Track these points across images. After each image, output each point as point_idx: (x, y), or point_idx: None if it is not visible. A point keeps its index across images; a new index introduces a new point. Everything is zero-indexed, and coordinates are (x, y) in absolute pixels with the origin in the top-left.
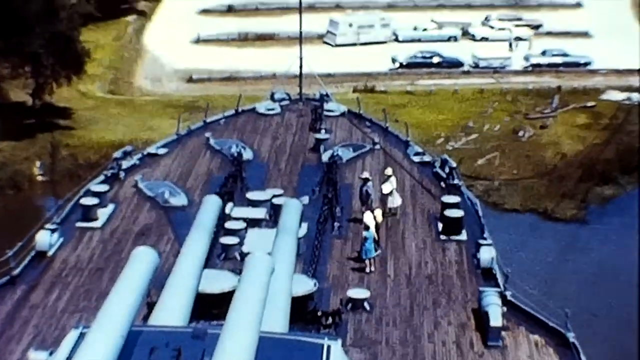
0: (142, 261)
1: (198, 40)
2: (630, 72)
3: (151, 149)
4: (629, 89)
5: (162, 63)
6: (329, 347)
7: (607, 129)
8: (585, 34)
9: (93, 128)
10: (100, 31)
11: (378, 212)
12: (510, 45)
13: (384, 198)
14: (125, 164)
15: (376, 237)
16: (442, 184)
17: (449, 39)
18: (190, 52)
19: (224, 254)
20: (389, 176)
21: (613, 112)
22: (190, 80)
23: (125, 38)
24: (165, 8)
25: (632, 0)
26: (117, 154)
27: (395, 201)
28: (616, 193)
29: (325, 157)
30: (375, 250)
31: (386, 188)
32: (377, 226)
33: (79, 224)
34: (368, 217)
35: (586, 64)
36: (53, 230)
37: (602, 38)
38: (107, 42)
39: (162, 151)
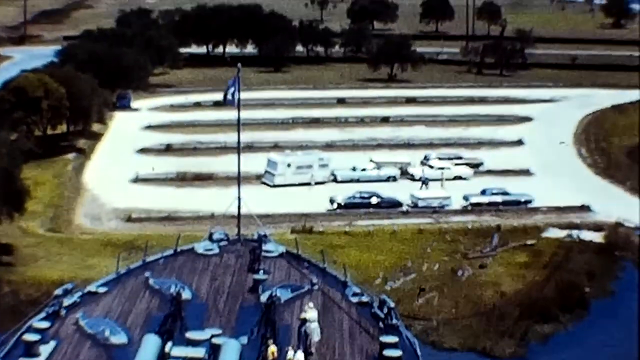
0: None
1: (137, 180)
2: (571, 209)
3: (91, 287)
4: (570, 226)
5: (102, 202)
6: None
7: (548, 266)
8: (526, 172)
9: (34, 265)
10: (41, 169)
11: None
12: (424, 183)
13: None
14: (66, 302)
15: None
16: (381, 324)
17: (387, 179)
18: (129, 191)
19: None
20: (310, 307)
21: (553, 249)
22: (129, 219)
23: (65, 176)
24: (105, 147)
25: (574, 137)
26: (58, 291)
27: (314, 336)
28: (556, 330)
29: (263, 297)
30: None
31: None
32: None
33: None
34: (300, 357)
35: (527, 202)
36: None
37: (543, 175)
38: (47, 180)
39: (102, 289)
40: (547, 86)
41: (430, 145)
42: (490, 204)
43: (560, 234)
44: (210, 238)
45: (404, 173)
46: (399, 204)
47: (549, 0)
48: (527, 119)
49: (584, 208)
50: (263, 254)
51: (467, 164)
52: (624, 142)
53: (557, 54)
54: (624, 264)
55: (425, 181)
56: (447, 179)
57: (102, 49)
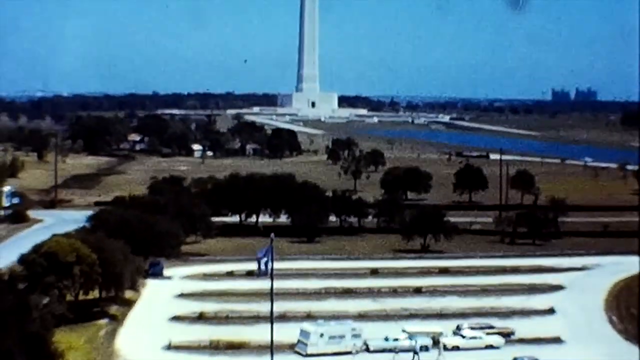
0: None
1: (169, 347)
2: None
3: None
4: None
5: None
6: None
7: None
8: (557, 340)
9: None
10: (73, 333)
11: None
12: (415, 354)
13: None
14: None
15: None
16: None
17: (420, 349)
18: (162, 359)
19: None
20: None
21: None
22: None
23: (97, 341)
24: (137, 313)
25: (605, 303)
26: None
27: None
28: None
29: None
30: None
31: None
32: None
33: None
34: None
35: None
36: None
37: (575, 343)
38: (80, 345)
39: None
40: (579, 254)
41: (462, 315)
42: None
43: None
44: None
45: (437, 342)
46: None
47: (581, 168)
48: (559, 287)
49: None
50: None
51: (499, 333)
52: None
53: (589, 222)
54: None
55: (416, 351)
56: (478, 348)
57: (134, 215)
